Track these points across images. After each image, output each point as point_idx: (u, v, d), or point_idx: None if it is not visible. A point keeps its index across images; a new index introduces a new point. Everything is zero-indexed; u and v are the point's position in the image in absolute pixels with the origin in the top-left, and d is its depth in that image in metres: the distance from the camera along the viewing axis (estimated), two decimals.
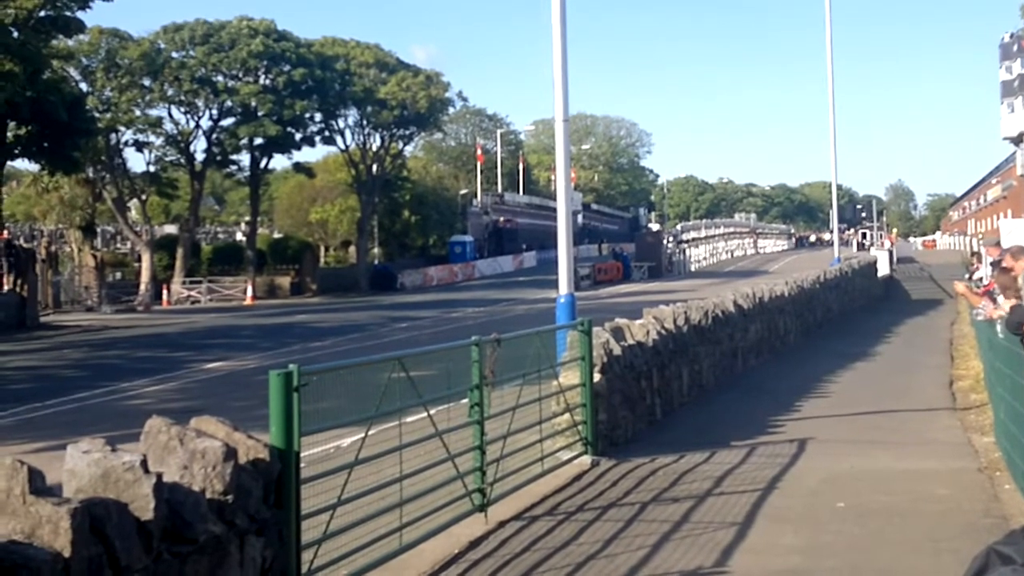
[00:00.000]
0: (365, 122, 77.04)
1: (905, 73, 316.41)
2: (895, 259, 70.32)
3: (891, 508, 10.80)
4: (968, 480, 12.06)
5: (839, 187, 58.11)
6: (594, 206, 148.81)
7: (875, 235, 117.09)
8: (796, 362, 25.23)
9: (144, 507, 5.90)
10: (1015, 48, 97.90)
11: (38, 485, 5.49)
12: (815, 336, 31.18)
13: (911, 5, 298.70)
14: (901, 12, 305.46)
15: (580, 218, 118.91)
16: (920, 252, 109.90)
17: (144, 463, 6.03)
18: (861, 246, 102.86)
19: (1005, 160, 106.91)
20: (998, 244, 27.47)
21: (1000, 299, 13.75)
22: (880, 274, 55.63)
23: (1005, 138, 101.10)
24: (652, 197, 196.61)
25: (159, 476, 6.08)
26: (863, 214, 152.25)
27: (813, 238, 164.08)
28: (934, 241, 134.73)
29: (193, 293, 65.64)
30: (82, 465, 6.03)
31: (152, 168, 69.30)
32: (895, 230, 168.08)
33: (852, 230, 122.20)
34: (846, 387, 20.63)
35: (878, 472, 12.63)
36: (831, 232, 73.11)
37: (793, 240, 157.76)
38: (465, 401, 10.42)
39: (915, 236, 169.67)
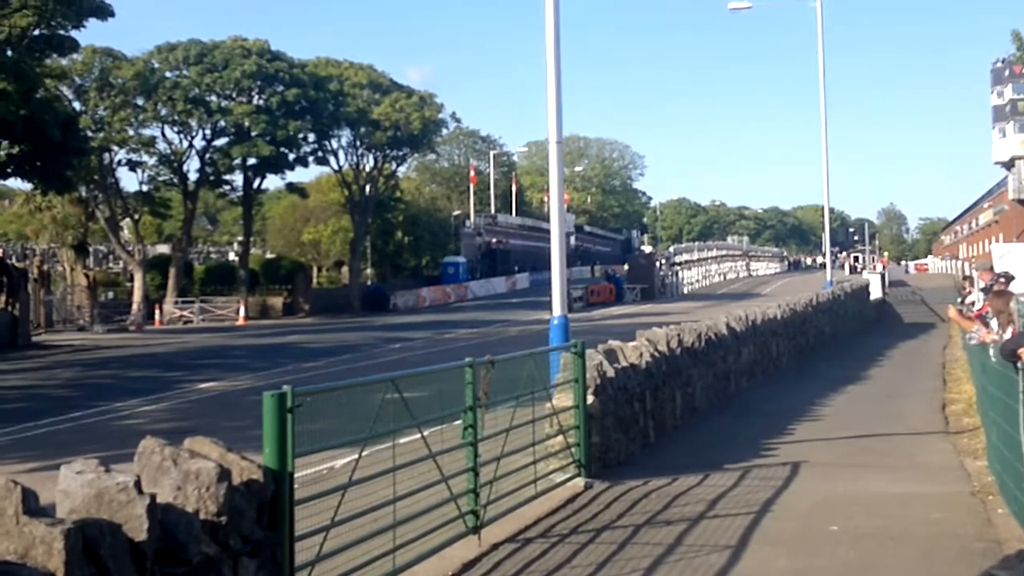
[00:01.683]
0: (358, 143, 77.11)
1: (897, 98, 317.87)
2: (887, 282, 70.45)
3: (885, 531, 10.80)
4: (961, 504, 12.06)
5: (831, 210, 58.22)
6: (587, 228, 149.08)
7: (867, 258, 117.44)
8: (789, 385, 25.23)
9: (138, 528, 5.88)
10: (1006, 73, 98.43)
11: (31, 505, 5.47)
12: (808, 359, 31.19)
13: (904, 30, 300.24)
14: (894, 37, 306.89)
15: (573, 240, 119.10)
16: (912, 276, 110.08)
17: (138, 484, 6.02)
18: (853, 269, 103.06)
19: (997, 184, 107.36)
20: (990, 268, 27.49)
21: (993, 323, 13.79)
22: (872, 297, 55.69)
23: (997, 163, 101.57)
24: (645, 219, 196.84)
25: (153, 497, 6.06)
26: (855, 237, 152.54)
27: (809, 261, 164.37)
28: (926, 265, 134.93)
29: (185, 313, 65.54)
30: (75, 486, 6.01)
31: (145, 187, 69.31)
32: (887, 253, 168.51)
33: (844, 253, 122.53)
34: (839, 410, 20.63)
35: (871, 495, 12.62)
36: (823, 255, 73.30)
37: (786, 263, 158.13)
38: (459, 423, 10.41)
39: (907, 260, 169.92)
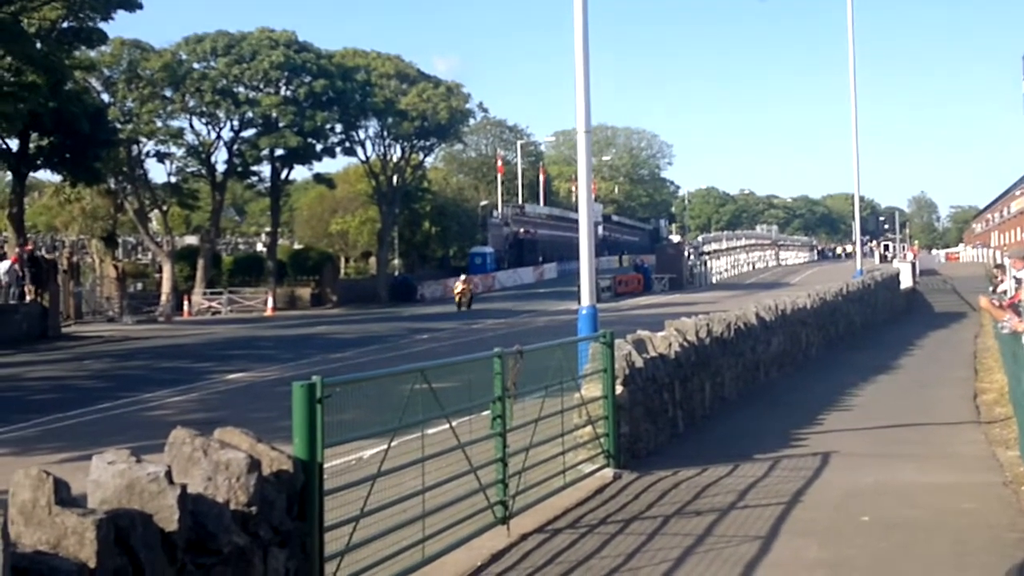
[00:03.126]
0: (386, 133, 77.18)
1: (928, 85, 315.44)
2: (918, 271, 70.04)
3: (916, 522, 10.73)
4: (993, 494, 11.96)
5: (862, 199, 57.85)
6: (615, 218, 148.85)
7: (897, 247, 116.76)
8: (819, 374, 25.12)
9: (169, 518, 5.90)
10: None
11: (63, 496, 5.49)
12: (838, 348, 31.05)
13: (935, 17, 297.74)
14: (925, 24, 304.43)
15: (601, 230, 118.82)
16: (943, 264, 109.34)
17: (169, 474, 6.03)
18: (883, 258, 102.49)
19: None
20: (1023, 257, 27.27)
21: None
22: (903, 286, 55.35)
23: None
24: (673, 209, 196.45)
25: (183, 487, 6.07)
26: (886, 226, 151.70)
27: (839, 250, 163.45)
28: (958, 253, 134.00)
29: (213, 304, 65.78)
30: (107, 476, 6.02)
31: (173, 179, 69.64)
32: (917, 242, 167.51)
33: (874, 242, 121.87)
34: (869, 400, 20.52)
35: (902, 486, 12.55)
36: (853, 244, 72.87)
37: (815, 252, 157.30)
38: (487, 413, 10.40)
39: (938, 248, 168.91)
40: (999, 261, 60.04)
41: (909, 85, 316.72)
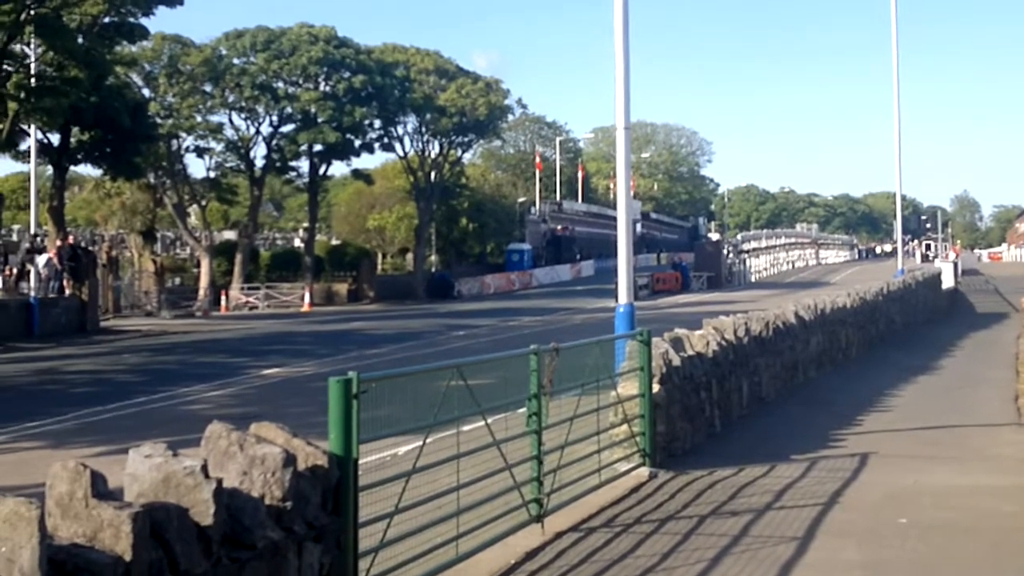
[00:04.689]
0: (424, 129, 77.22)
1: (972, 83, 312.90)
2: (960, 271, 69.50)
3: (955, 524, 10.64)
4: None
5: (903, 197, 57.44)
6: (653, 215, 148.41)
7: (939, 246, 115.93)
8: (858, 375, 24.95)
9: (204, 512, 5.91)
10: None
11: (100, 489, 5.51)
12: (878, 348, 30.83)
13: (979, 14, 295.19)
14: (969, 21, 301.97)
15: (639, 227, 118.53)
16: (986, 264, 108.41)
17: (204, 468, 6.05)
18: (925, 257, 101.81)
19: None
20: None
21: None
22: (944, 286, 54.89)
23: None
24: (712, 206, 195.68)
25: (219, 481, 6.09)
26: (927, 225, 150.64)
27: (879, 250, 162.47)
28: (1000, 253, 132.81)
29: (251, 299, 66.03)
30: (143, 469, 6.05)
31: (212, 174, 69.88)
32: (960, 242, 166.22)
33: (916, 241, 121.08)
34: (909, 401, 20.37)
35: (941, 488, 12.44)
36: (894, 243, 72.37)
37: (855, 251, 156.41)
38: (523, 410, 10.37)
39: (980, 248, 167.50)
40: None
41: (953, 83, 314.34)
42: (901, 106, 49.39)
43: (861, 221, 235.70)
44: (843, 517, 10.93)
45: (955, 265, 67.24)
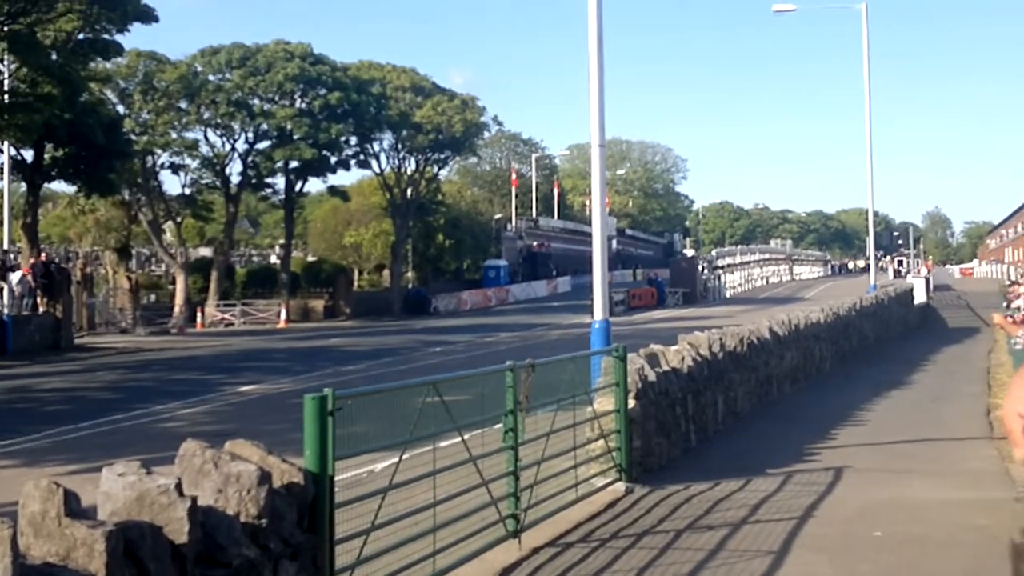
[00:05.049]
0: (400, 146, 77.29)
1: (943, 100, 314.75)
2: (932, 287, 69.90)
3: (928, 537, 10.69)
4: (1006, 510, 11.91)
5: (876, 214, 57.76)
6: (628, 231, 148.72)
7: (912, 262, 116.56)
8: (831, 390, 25.05)
9: (178, 530, 5.90)
10: None
11: (73, 507, 5.49)
12: (851, 363, 30.97)
13: (950, 31, 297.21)
14: (940, 38, 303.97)
15: (615, 243, 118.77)
16: (957, 280, 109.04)
17: (179, 486, 6.03)
18: (897, 273, 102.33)
19: None
20: None
21: None
22: (917, 302, 55.22)
23: None
24: (687, 223, 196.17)
25: (194, 499, 6.07)
26: (900, 241, 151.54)
27: (852, 266, 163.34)
28: (972, 269, 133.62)
29: (227, 316, 65.86)
30: (117, 488, 6.03)
31: (187, 190, 69.73)
32: (932, 257, 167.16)
33: (888, 257, 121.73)
34: (882, 415, 20.46)
35: (915, 501, 12.51)
36: (867, 259, 72.72)
37: (829, 267, 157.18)
38: (499, 426, 10.39)
39: (952, 264, 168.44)
40: (1014, 277, 59.84)
41: (924, 100, 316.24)
42: (873, 124, 49.72)
43: (834, 237, 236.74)
44: (818, 531, 10.96)
45: (927, 281, 67.63)
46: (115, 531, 5.43)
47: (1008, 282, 57.97)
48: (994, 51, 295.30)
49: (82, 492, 5.65)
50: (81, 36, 46.62)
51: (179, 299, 64.35)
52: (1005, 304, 28.80)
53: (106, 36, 47.65)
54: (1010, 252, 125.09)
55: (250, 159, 70.33)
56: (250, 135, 69.84)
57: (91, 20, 45.29)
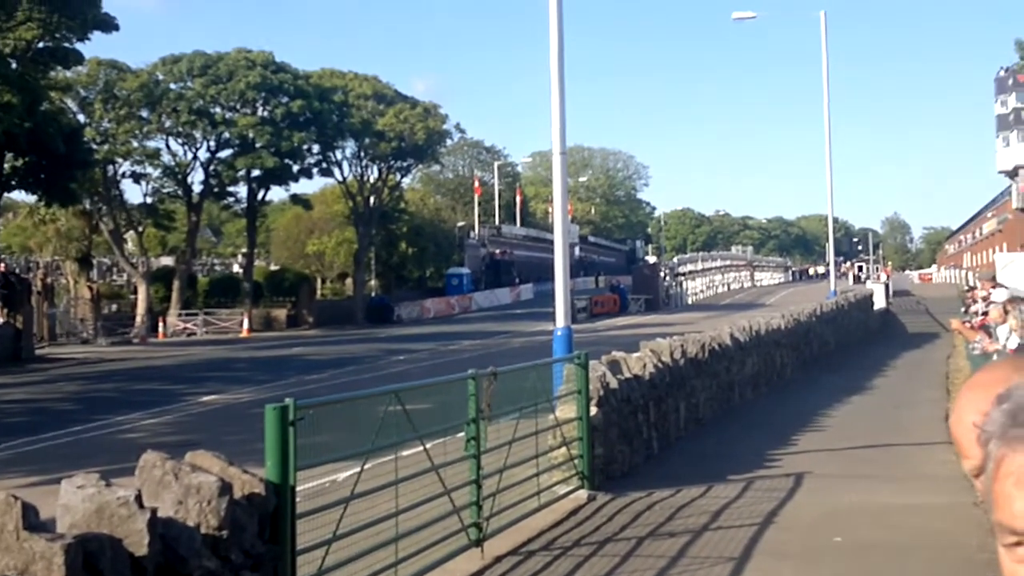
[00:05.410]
0: (363, 154, 77.24)
1: (902, 107, 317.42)
2: (891, 292, 70.32)
3: (889, 543, 10.77)
4: (965, 514, 12.00)
5: (835, 220, 58.13)
6: (591, 238, 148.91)
7: (871, 268, 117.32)
8: (792, 396, 25.19)
9: (138, 542, 5.88)
10: (1010, 83, 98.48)
11: (32, 520, 5.46)
12: (812, 369, 31.13)
13: (908, 39, 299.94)
14: (898, 46, 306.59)
15: (577, 250, 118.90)
16: (916, 285, 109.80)
17: (139, 498, 6.01)
18: (857, 279, 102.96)
19: (1000, 194, 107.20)
20: (993, 278, 27.51)
21: (999, 331, 13.76)
22: (876, 307, 55.54)
23: (1000, 172, 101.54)
24: (649, 230, 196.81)
25: (154, 511, 6.05)
26: (859, 247, 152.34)
27: (812, 271, 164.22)
28: (930, 274, 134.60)
29: (189, 325, 65.55)
30: (76, 500, 6.00)
31: (149, 200, 69.34)
32: (891, 263, 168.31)
33: (848, 263, 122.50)
34: (843, 421, 20.58)
35: (876, 506, 12.59)
36: (827, 265, 73.19)
37: (790, 273, 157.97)
38: (461, 435, 10.40)
39: (911, 269, 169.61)
40: (971, 283, 60.36)
41: (883, 107, 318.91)
42: (832, 131, 50.01)
43: (795, 243, 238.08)
44: (779, 537, 11.02)
45: (886, 286, 68.00)
46: (74, 544, 5.41)
47: (966, 287, 58.45)
48: (951, 57, 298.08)
49: (41, 505, 5.63)
50: (41, 45, 46.36)
51: (141, 309, 63.95)
52: (963, 309, 29.02)
53: (66, 45, 47.44)
54: (968, 257, 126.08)
55: (212, 168, 70.03)
56: (212, 144, 69.55)
57: (51, 28, 45.05)
